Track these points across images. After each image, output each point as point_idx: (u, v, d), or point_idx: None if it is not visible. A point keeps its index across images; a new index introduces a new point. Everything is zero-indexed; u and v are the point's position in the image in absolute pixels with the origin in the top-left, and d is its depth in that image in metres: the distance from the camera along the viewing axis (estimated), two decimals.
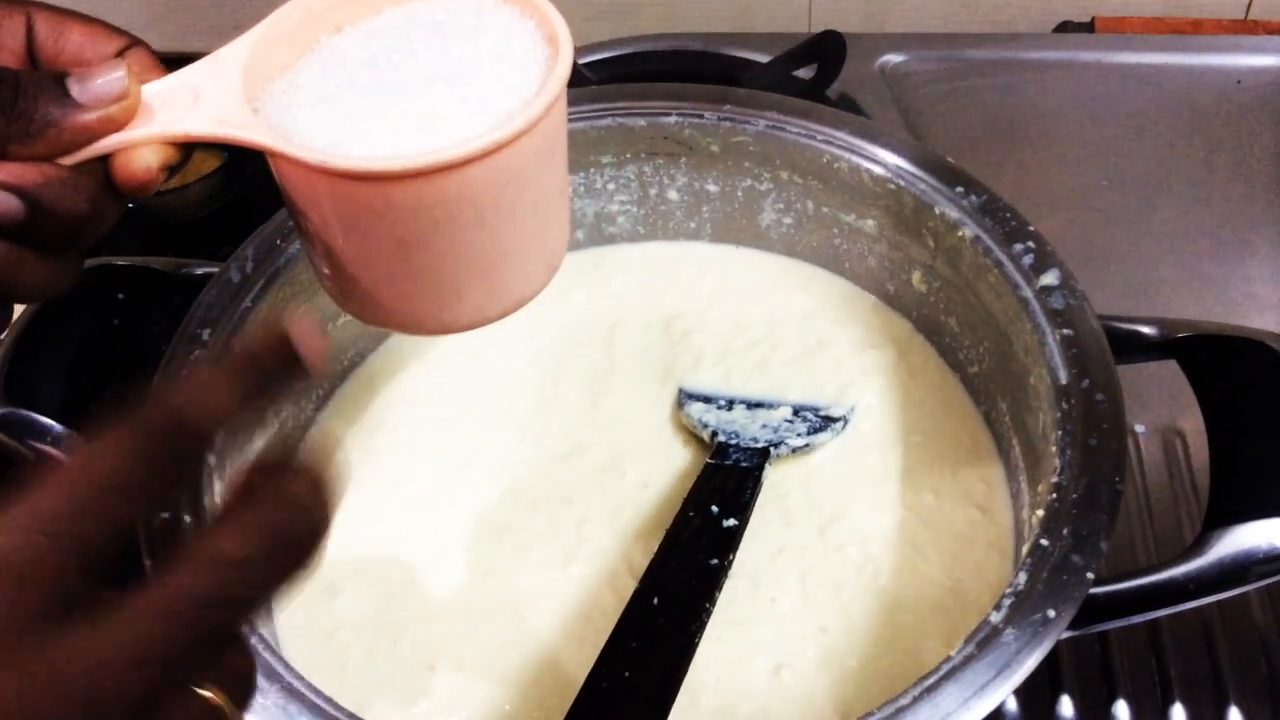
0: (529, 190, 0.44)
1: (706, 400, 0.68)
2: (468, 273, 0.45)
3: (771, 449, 0.64)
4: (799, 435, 0.65)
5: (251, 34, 0.44)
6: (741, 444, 0.64)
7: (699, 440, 0.67)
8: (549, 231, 0.48)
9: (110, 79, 0.40)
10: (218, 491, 0.56)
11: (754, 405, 0.67)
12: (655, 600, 0.54)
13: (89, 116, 0.40)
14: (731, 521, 0.59)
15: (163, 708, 0.29)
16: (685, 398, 0.68)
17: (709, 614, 0.54)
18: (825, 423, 0.66)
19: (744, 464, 0.63)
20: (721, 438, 0.65)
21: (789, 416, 0.66)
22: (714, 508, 0.60)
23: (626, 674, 0.51)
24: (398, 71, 0.44)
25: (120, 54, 0.44)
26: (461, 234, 0.43)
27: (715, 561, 0.57)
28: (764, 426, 0.66)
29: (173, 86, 0.43)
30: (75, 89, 0.40)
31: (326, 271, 0.47)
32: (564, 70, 0.43)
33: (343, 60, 0.45)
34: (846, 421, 0.67)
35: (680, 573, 0.56)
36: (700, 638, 0.53)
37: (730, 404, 0.67)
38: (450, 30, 0.45)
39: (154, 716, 0.29)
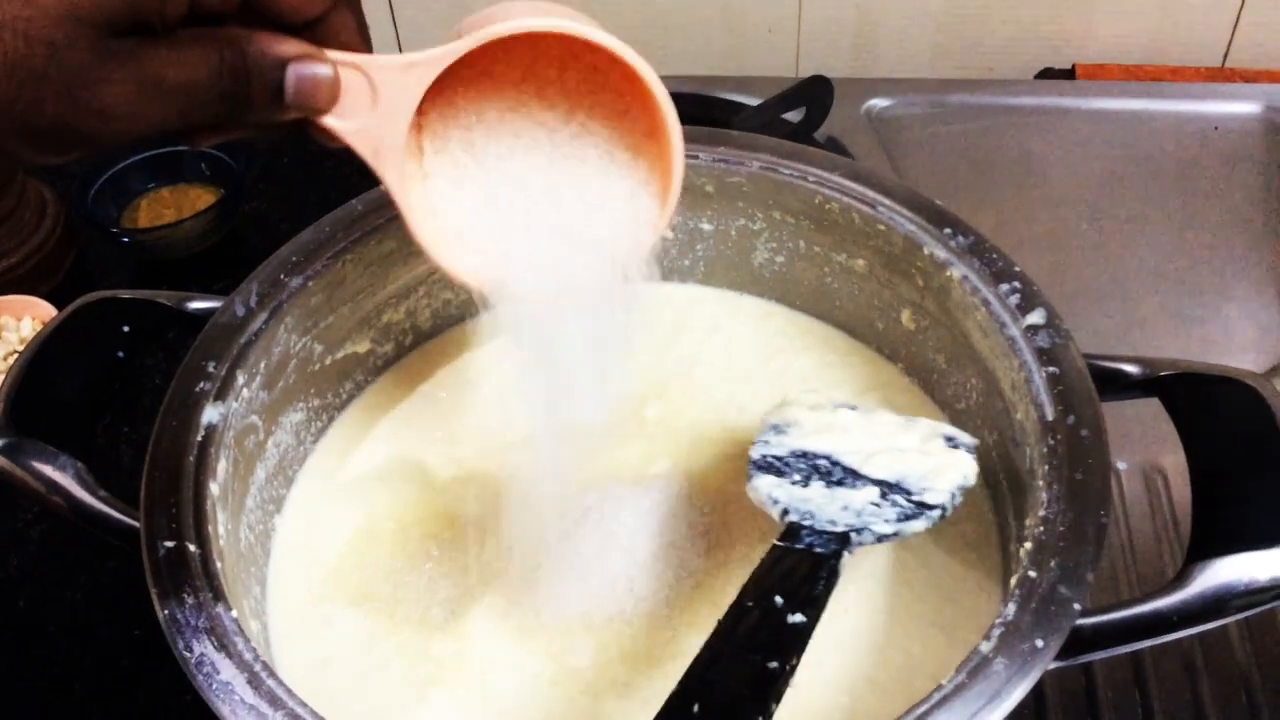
0: None
1: (779, 473, 0.58)
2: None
3: (853, 534, 0.55)
4: (886, 521, 0.56)
5: (450, 50, 0.46)
6: (817, 526, 0.56)
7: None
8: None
9: (319, 78, 0.44)
10: (221, 522, 0.57)
11: (834, 483, 0.57)
12: (696, 708, 0.46)
13: (291, 115, 0.45)
14: (799, 618, 0.50)
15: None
16: (754, 469, 0.59)
17: None
18: (919, 509, 0.57)
19: (819, 549, 0.54)
20: (794, 517, 0.56)
21: (875, 499, 0.57)
22: (778, 599, 0.51)
23: None
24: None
25: (330, 9, 0.46)
26: None
27: (775, 665, 0.47)
28: (845, 508, 0.56)
29: (359, 76, 0.46)
30: (290, 85, 0.44)
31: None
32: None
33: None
34: (945, 511, 0.57)
35: (730, 676, 0.48)
36: None
37: (807, 479, 0.58)
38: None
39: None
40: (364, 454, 0.71)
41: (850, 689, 0.58)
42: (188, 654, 0.50)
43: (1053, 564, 0.51)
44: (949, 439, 0.60)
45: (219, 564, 0.54)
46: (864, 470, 0.58)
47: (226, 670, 0.49)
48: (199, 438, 0.58)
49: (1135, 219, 0.94)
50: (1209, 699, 0.66)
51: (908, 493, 0.57)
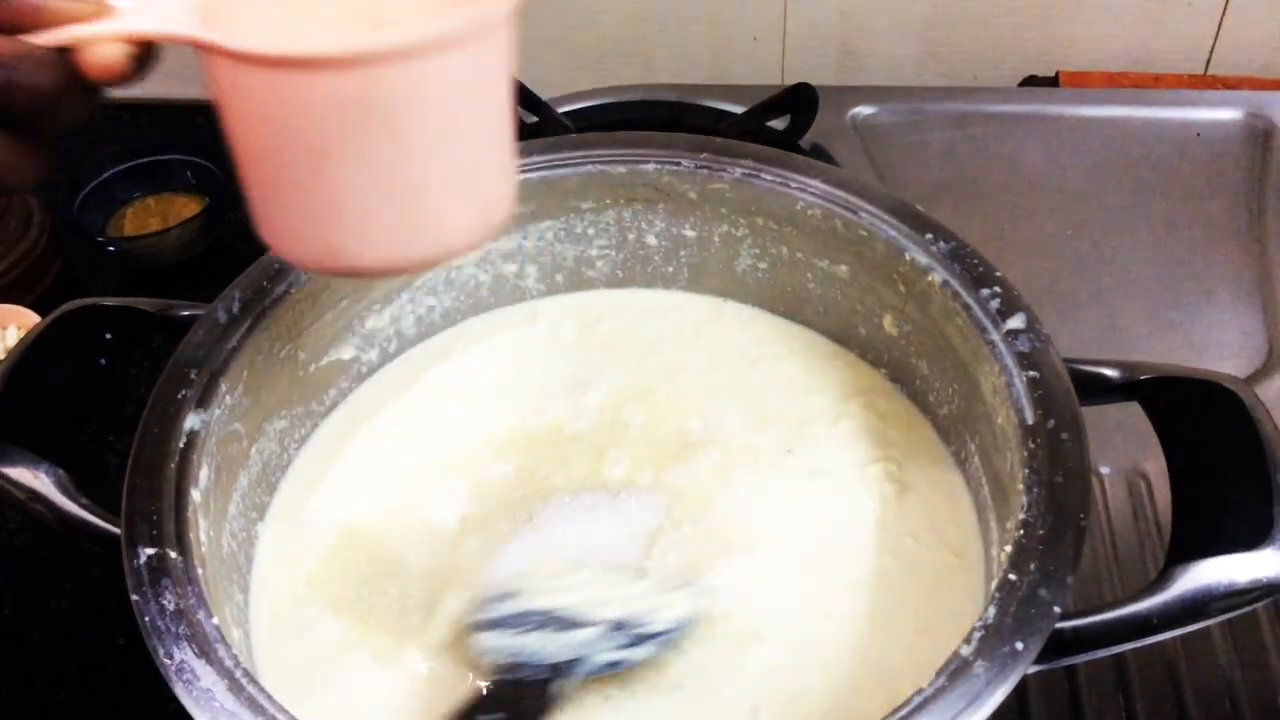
0: (451, 117, 0.43)
1: (498, 626, 0.58)
2: (383, 196, 0.44)
3: (573, 665, 0.56)
4: (610, 650, 0.57)
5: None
6: (529, 662, 0.56)
7: None
8: (480, 178, 0.46)
9: None
10: (203, 529, 0.57)
11: (558, 630, 0.57)
12: None
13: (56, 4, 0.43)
14: None
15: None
16: (475, 630, 0.59)
17: None
18: (643, 639, 0.58)
19: (530, 678, 0.56)
20: (505, 659, 0.57)
21: (598, 636, 0.57)
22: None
23: None
24: None
25: None
26: (375, 147, 0.42)
27: None
28: (564, 647, 0.57)
29: None
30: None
31: (250, 194, 0.46)
32: (501, 4, 0.44)
33: None
34: (669, 634, 0.58)
35: None
36: None
37: (528, 630, 0.57)
38: None
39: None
40: (348, 460, 0.71)
41: (832, 692, 0.58)
42: (168, 661, 0.50)
43: (1032, 567, 0.51)
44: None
45: (200, 571, 0.54)
46: (588, 617, 0.58)
47: (207, 677, 0.49)
48: (181, 445, 0.58)
49: (1118, 225, 0.95)
50: (1192, 701, 0.67)
51: (630, 627, 0.58)
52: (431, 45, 0.41)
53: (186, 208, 1.06)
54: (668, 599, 0.59)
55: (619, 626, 0.57)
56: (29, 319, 0.91)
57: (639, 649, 0.58)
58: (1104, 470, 0.77)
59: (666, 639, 0.59)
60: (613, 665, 0.57)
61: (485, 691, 0.57)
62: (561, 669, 0.56)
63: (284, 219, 0.46)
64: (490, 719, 0.55)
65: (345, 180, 0.43)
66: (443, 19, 0.43)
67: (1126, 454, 0.78)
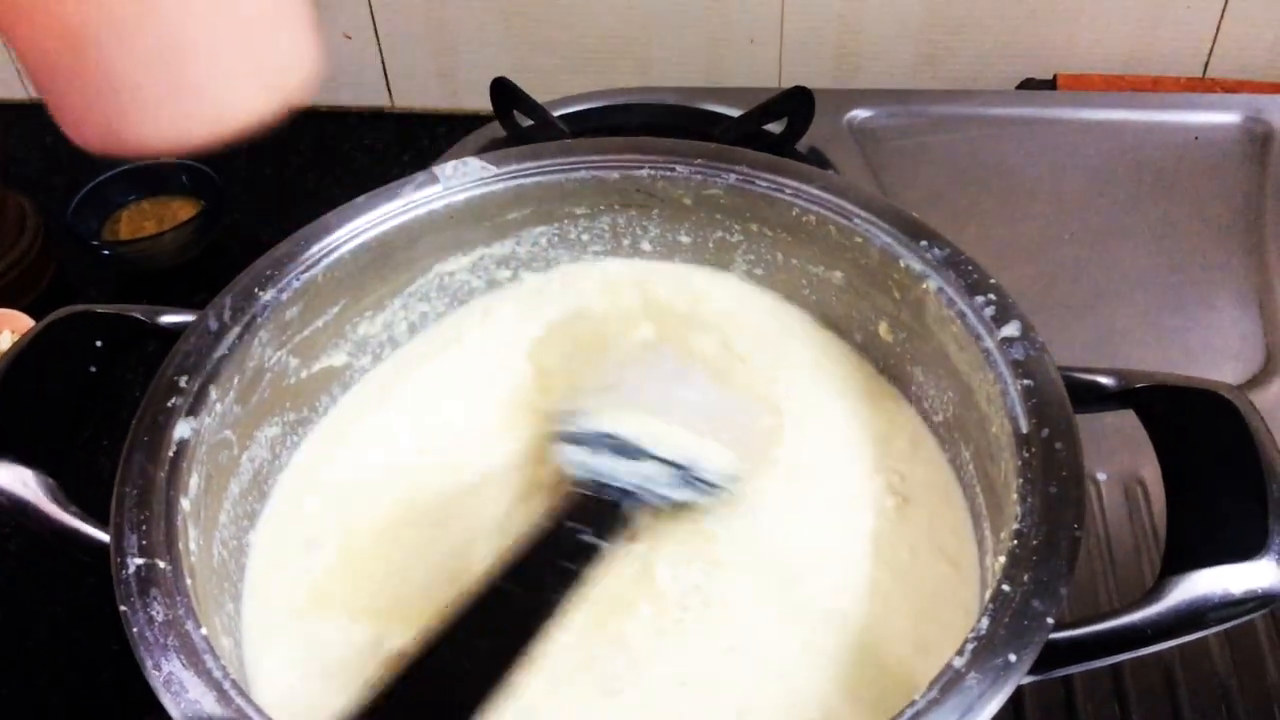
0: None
1: (580, 444, 0.64)
2: (151, 77, 0.44)
3: (638, 491, 0.62)
4: (666, 486, 0.63)
5: None
6: (605, 482, 0.62)
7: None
8: (256, 53, 0.46)
9: None
10: (193, 538, 0.57)
11: (626, 456, 0.63)
12: (507, 585, 0.55)
13: None
14: (589, 538, 0.58)
15: None
16: (560, 441, 0.64)
17: (558, 605, 0.54)
18: (696, 482, 0.63)
19: (605, 496, 0.62)
20: (584, 474, 0.63)
21: (657, 471, 0.63)
22: (570, 522, 0.59)
23: (470, 644, 0.52)
24: None
25: None
26: (135, 29, 0.42)
27: (571, 566, 0.57)
28: (631, 474, 0.63)
29: None
30: None
31: (36, 83, 0.45)
32: None
33: None
34: (716, 488, 0.64)
35: (535, 567, 0.56)
36: (548, 625, 0.53)
37: (601, 451, 0.63)
38: None
39: None
40: (339, 467, 0.71)
41: (824, 704, 0.58)
42: (156, 672, 0.50)
43: (1026, 578, 0.51)
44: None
45: (190, 581, 0.54)
46: (652, 450, 0.62)
47: (195, 689, 0.49)
48: (171, 453, 0.58)
49: (1115, 229, 0.95)
50: (1188, 710, 0.66)
51: (686, 469, 0.63)
52: None
53: (182, 211, 1.06)
54: (720, 452, 0.64)
55: (678, 466, 0.62)
56: (23, 323, 0.90)
57: (690, 490, 0.63)
58: (1100, 476, 0.77)
59: (716, 489, 0.64)
60: (668, 500, 0.63)
61: (572, 500, 0.61)
62: (630, 494, 0.62)
63: (67, 104, 0.45)
64: (578, 527, 0.59)
65: (112, 64, 0.43)
66: None
67: (1123, 460, 0.77)
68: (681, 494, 0.63)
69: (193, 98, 0.45)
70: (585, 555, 0.58)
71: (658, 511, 0.64)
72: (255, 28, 0.46)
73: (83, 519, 0.58)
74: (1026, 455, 0.55)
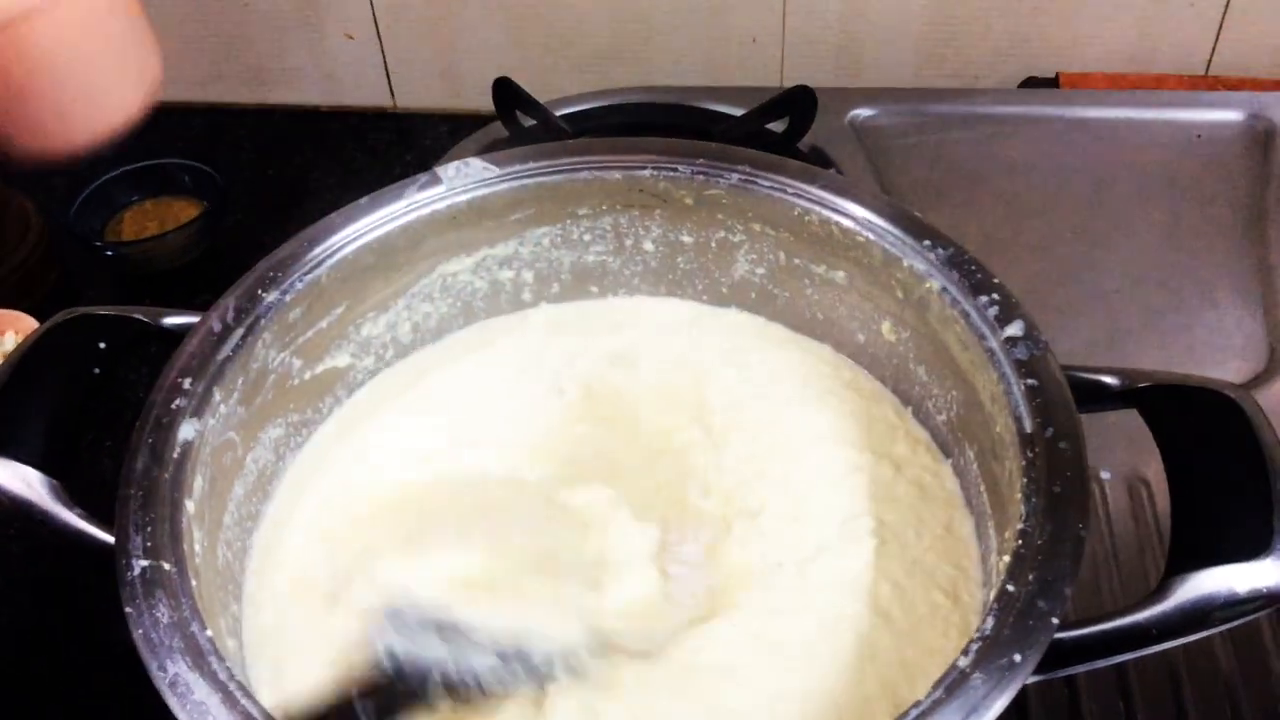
0: (64, 53, 0.53)
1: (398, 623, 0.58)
2: (27, 80, 0.52)
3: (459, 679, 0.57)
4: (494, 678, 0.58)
5: None
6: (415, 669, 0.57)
7: None
8: (121, 55, 0.57)
9: None
10: (198, 540, 0.57)
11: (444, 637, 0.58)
12: None
13: None
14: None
15: None
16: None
17: None
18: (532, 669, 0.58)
19: (408, 686, 0.57)
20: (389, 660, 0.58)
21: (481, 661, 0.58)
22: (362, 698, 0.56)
23: None
24: None
25: None
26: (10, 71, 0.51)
27: None
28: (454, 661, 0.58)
29: None
30: None
31: None
32: None
33: None
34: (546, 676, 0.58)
35: None
36: None
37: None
38: None
39: None
40: (343, 468, 0.71)
41: (835, 702, 0.58)
42: (161, 674, 0.50)
43: (1031, 578, 0.51)
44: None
45: (194, 582, 0.54)
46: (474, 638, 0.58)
47: (200, 690, 0.49)
48: (175, 455, 0.58)
49: (1118, 227, 0.94)
50: (1193, 708, 0.66)
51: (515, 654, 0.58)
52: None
53: (184, 212, 1.06)
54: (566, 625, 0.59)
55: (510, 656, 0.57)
56: (27, 324, 0.90)
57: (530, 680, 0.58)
58: (1104, 474, 0.77)
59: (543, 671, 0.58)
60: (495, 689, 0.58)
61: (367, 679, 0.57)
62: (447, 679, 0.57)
63: None
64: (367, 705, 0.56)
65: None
66: None
67: (1127, 458, 0.77)
68: (514, 685, 0.58)
69: (73, 107, 0.53)
70: None
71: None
72: (120, 41, 0.54)
73: (87, 520, 0.58)
74: (1031, 455, 0.55)
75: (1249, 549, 0.51)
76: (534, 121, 1.00)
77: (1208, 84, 1.11)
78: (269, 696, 0.58)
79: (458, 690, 0.57)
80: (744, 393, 0.73)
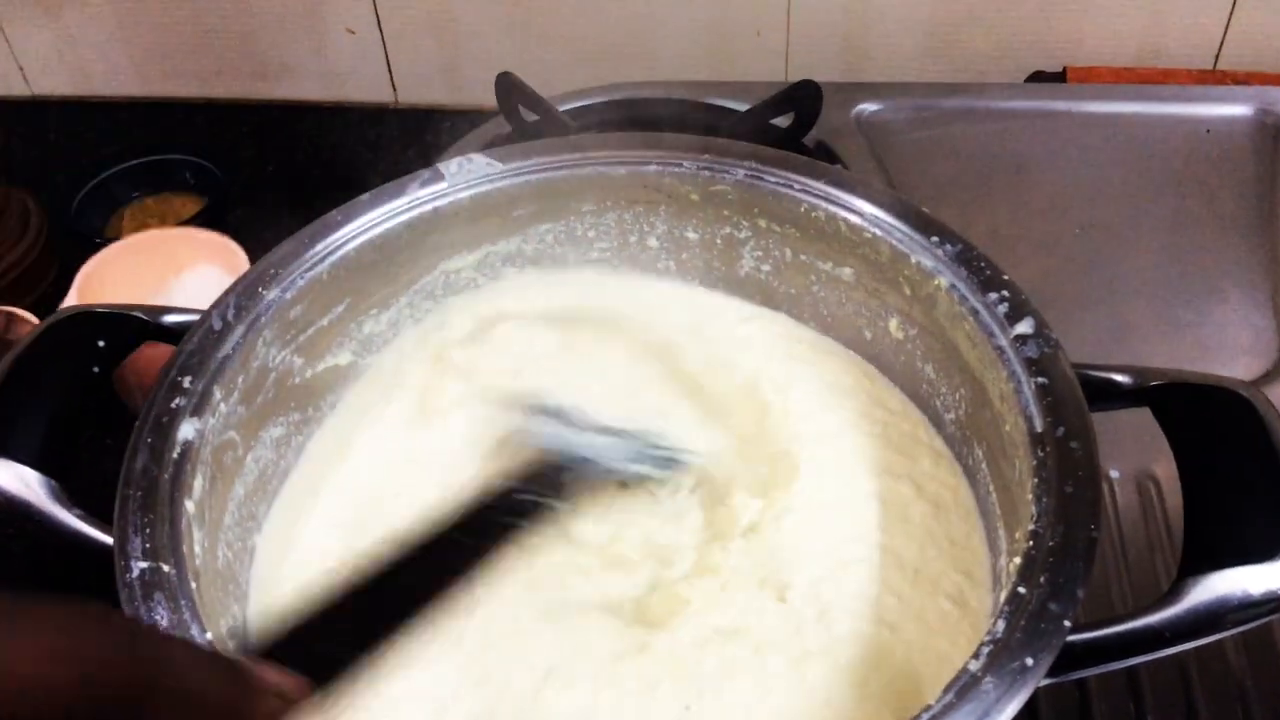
0: None
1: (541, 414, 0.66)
2: None
3: (592, 461, 0.63)
4: (619, 460, 0.64)
5: None
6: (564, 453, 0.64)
7: None
8: None
9: None
10: (198, 540, 0.56)
11: (573, 424, 0.66)
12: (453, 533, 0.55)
13: None
14: (533, 498, 0.59)
15: None
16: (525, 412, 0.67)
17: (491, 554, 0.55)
18: (649, 456, 0.66)
19: (554, 461, 0.63)
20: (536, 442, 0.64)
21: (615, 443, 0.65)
22: (518, 484, 0.60)
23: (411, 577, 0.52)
24: None
25: None
26: None
27: (512, 521, 0.57)
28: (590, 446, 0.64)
29: None
30: None
31: None
32: None
33: None
34: (674, 462, 0.66)
35: (480, 519, 0.57)
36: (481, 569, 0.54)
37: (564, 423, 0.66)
38: None
39: None
40: (346, 468, 0.70)
41: (840, 705, 0.57)
42: None
43: (1042, 580, 0.50)
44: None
45: (194, 584, 0.53)
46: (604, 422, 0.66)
47: None
48: (175, 455, 0.58)
49: (1127, 223, 0.94)
50: (1204, 709, 0.66)
51: (639, 440, 0.65)
52: None
53: (185, 208, 1.05)
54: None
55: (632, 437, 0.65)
56: (27, 321, 0.90)
57: (647, 465, 0.65)
58: (1113, 473, 0.76)
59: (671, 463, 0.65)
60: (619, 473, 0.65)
61: (522, 464, 0.61)
62: (584, 461, 0.63)
63: None
64: (523, 486, 0.60)
65: None
66: None
67: (1136, 457, 0.77)
68: (637, 468, 0.64)
69: None
70: (527, 512, 0.59)
71: (624, 484, 0.65)
72: None
73: (86, 521, 0.57)
74: (1041, 454, 0.55)
75: (1263, 550, 0.50)
76: (537, 117, 0.99)
77: (1216, 78, 1.10)
78: None
79: (602, 473, 0.63)
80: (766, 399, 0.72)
